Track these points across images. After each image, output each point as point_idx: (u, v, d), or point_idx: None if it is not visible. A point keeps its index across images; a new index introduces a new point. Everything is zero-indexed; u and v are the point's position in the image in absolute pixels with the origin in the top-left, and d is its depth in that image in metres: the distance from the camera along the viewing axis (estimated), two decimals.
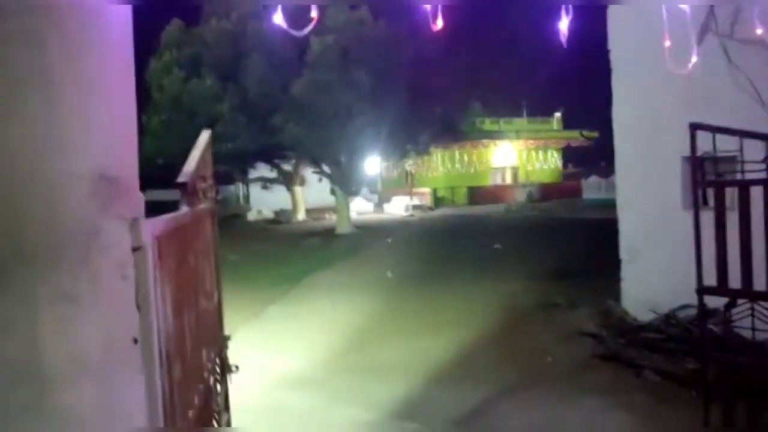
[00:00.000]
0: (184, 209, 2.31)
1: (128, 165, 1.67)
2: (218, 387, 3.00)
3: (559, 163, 43.55)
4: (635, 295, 7.01)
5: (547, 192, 36.61)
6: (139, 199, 1.66)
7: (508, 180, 41.20)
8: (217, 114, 20.30)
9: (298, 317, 10.07)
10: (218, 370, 3.03)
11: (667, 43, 5.40)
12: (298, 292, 12.20)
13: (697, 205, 3.97)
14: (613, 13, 6.97)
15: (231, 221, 32.54)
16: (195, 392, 2.18)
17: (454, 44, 21.53)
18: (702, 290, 4.00)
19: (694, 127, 3.90)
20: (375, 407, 5.86)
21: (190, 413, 2.04)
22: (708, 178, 4.00)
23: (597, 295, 8.71)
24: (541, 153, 42.70)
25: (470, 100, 26.70)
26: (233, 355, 8.08)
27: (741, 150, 3.86)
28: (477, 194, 37.47)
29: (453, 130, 26.99)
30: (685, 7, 5.67)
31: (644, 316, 6.71)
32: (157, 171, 24.56)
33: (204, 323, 2.55)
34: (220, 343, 3.12)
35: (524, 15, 24.31)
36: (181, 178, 2.30)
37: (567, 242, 16.32)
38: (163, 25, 22.26)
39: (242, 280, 13.89)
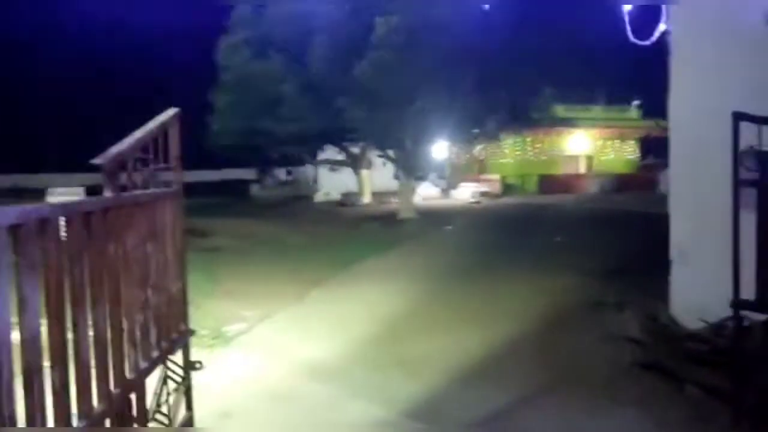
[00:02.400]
0: (106, 194, 2.09)
1: None
2: (169, 386, 2.80)
3: (636, 154, 41.67)
4: (684, 299, 6.43)
5: (621, 183, 35.11)
6: None
7: (581, 169, 39.77)
8: (282, 95, 20.37)
9: (340, 303, 9.92)
10: (174, 367, 2.82)
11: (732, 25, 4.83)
12: (345, 277, 12.06)
13: (737, 206, 3.48)
14: None
15: (298, 202, 32.93)
16: (95, 397, 1.98)
17: (527, 27, 20.72)
18: (738, 304, 3.52)
19: (738, 117, 3.41)
20: (390, 404, 5.60)
21: (79, 421, 1.85)
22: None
23: (650, 295, 8.13)
24: (617, 142, 40.98)
25: (543, 85, 25.70)
26: (264, 338, 8.08)
27: None
28: (547, 183, 36.34)
29: (523, 117, 26.19)
30: None
31: (693, 323, 6.14)
32: (226, 150, 25.06)
33: (136, 319, 2.35)
34: (177, 339, 2.90)
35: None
36: (98, 160, 2.08)
37: (632, 236, 15.48)
38: (233, 5, 22.49)
39: (295, 262, 13.96)
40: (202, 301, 9.54)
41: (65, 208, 1.81)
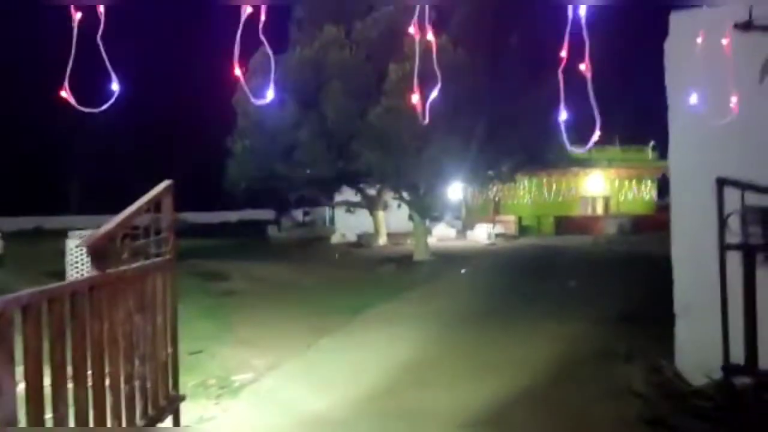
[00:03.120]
0: (92, 273, 2.20)
1: None
2: None
3: (654, 194, 41.46)
4: (688, 354, 6.37)
5: (639, 224, 34.88)
6: None
7: (599, 210, 39.62)
8: (297, 140, 20.71)
9: (349, 351, 9.92)
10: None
11: (726, 83, 4.91)
12: (356, 324, 12.06)
13: (723, 271, 3.51)
14: (671, 48, 6.46)
15: (315, 244, 33.13)
16: None
17: (541, 71, 20.97)
18: (728, 369, 3.51)
19: (721, 183, 3.46)
20: None
21: None
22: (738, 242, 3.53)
23: (661, 344, 8.05)
24: (634, 183, 40.85)
25: (557, 126, 25.83)
26: (271, 388, 8.10)
27: None
28: (564, 224, 36.21)
29: (538, 158, 26.31)
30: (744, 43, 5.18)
31: (697, 379, 6.07)
32: (244, 191, 25.40)
33: (121, 391, 2.43)
34: (165, 406, 2.97)
35: (617, 45, 23.42)
36: (83, 243, 2.18)
37: (647, 280, 15.33)
38: (252, 53, 23.04)
39: (307, 307, 14.02)
40: (217, 349, 9.65)
41: (48, 293, 1.91)
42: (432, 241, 28.14)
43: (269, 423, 6.70)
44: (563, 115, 3.22)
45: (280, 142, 20.87)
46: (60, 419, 1.98)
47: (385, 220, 31.31)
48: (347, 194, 31.43)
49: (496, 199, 37.82)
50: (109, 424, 2.33)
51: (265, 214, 44.11)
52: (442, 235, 32.93)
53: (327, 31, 20.81)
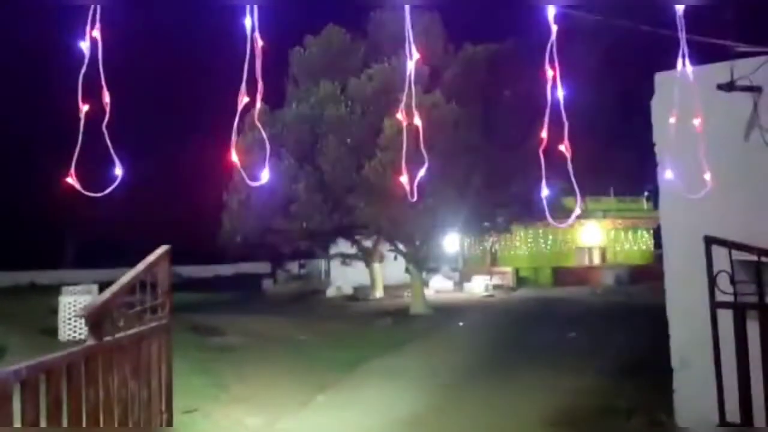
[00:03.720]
0: (88, 343, 2.22)
1: None
2: None
3: (650, 244, 41.60)
4: (687, 408, 6.33)
5: (636, 274, 34.85)
6: None
7: (596, 260, 39.67)
8: (293, 194, 20.86)
9: (345, 409, 9.78)
10: None
11: (709, 140, 5.02)
12: (352, 380, 11.93)
13: (715, 330, 3.54)
14: (657, 105, 6.63)
15: (310, 297, 32.93)
16: None
17: (533, 123, 21.31)
18: (724, 426, 3.51)
19: (709, 242, 3.52)
20: None
21: None
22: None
23: (661, 396, 7.98)
24: (630, 233, 41.02)
25: (552, 178, 26.11)
26: None
27: (759, 273, 3.42)
28: (562, 275, 36.16)
29: (533, 209, 26.47)
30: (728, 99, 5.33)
31: None
32: (239, 245, 25.38)
33: None
34: None
35: (604, 94, 23.89)
36: (81, 312, 2.21)
37: (645, 331, 15.25)
38: (248, 107, 23.42)
39: (303, 362, 13.89)
40: (211, 408, 9.53)
41: (46, 365, 1.93)
42: (429, 293, 28.03)
43: None
44: (545, 192, 3.31)
45: (276, 196, 21.01)
46: None
47: (381, 272, 31.22)
48: (343, 246, 31.40)
49: (493, 250, 37.86)
50: None
51: (261, 267, 44.00)
52: (440, 287, 32.81)
53: (323, 87, 21.21)
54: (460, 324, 20.02)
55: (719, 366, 3.48)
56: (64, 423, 2.08)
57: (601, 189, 38.28)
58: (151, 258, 2.89)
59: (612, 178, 36.75)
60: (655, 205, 39.02)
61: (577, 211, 3.45)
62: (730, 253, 3.44)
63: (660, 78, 6.32)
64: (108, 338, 2.42)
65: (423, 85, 19.33)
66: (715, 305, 3.50)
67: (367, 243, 29.90)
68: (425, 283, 26.03)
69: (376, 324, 20.69)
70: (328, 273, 37.48)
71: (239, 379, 11.85)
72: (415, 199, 4.38)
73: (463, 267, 36.17)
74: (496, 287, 31.95)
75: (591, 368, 11.61)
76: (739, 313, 3.40)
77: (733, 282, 3.44)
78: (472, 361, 13.33)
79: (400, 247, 24.38)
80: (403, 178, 4.14)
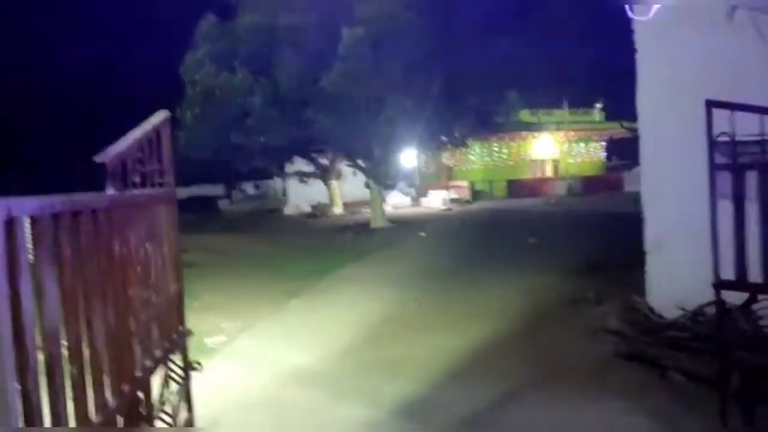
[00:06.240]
0: (109, 191, 2.10)
1: None
2: (171, 385, 2.79)
3: (601, 156, 42.48)
4: (661, 289, 6.59)
5: (588, 185, 35.71)
6: None
7: (548, 173, 40.35)
8: (249, 108, 20.30)
9: (318, 311, 9.91)
10: (174, 367, 2.81)
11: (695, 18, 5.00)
12: (322, 286, 12.04)
13: (714, 191, 3.60)
14: None
15: (268, 216, 32.76)
16: (108, 393, 1.98)
17: (490, 34, 21.06)
18: (719, 285, 3.64)
19: (711, 105, 3.53)
20: (380, 405, 5.62)
21: (97, 416, 1.84)
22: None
23: (626, 289, 8.29)
24: (582, 145, 41.68)
25: (507, 91, 26.11)
26: (246, 348, 8.04)
27: (763, 129, 3.46)
28: (516, 187, 36.78)
29: (489, 122, 26.51)
30: None
31: (671, 312, 6.29)
32: (193, 167, 24.84)
33: (141, 317, 2.35)
34: (176, 339, 2.90)
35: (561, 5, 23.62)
36: (100, 158, 2.08)
37: (603, 235, 15.75)
38: (198, 20, 22.38)
39: (270, 273, 13.90)
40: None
41: (74, 204, 1.81)
42: (387, 209, 28.15)
43: (250, 380, 6.65)
44: None
45: (232, 110, 20.42)
46: (93, 336, 1.90)
47: (339, 190, 31.13)
48: (299, 165, 31.06)
49: (449, 165, 38.05)
50: (133, 349, 2.26)
51: (215, 189, 43.34)
52: (397, 203, 32.98)
53: None
54: (422, 235, 20.26)
55: (715, 228, 3.56)
56: (95, 271, 1.98)
57: (554, 102, 38.53)
58: (155, 119, 2.74)
59: (564, 90, 36.91)
60: (608, 117, 39.27)
61: None
62: (732, 115, 3.46)
63: None
64: (127, 192, 2.30)
65: None
66: (714, 168, 3.55)
67: (324, 160, 29.62)
68: (383, 200, 26.03)
69: (339, 238, 20.78)
70: (284, 192, 37.20)
71: (210, 292, 11.76)
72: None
73: (420, 183, 36.33)
74: (453, 201, 32.31)
75: (554, 268, 11.91)
76: (739, 173, 3.46)
77: (733, 143, 3.48)
78: (437, 266, 13.54)
79: (360, 162, 24.22)
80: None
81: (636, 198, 7.76)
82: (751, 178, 3.55)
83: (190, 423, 3.02)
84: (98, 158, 2.08)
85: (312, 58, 19.30)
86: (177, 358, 2.98)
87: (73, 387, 1.77)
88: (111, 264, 2.08)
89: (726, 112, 3.52)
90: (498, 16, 21.00)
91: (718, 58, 5.39)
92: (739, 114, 3.54)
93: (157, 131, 2.74)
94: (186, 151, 20.66)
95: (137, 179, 2.41)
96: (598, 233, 16.70)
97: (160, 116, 2.80)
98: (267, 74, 20.18)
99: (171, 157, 2.90)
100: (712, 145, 3.56)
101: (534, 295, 9.71)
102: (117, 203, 2.13)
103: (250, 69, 20.29)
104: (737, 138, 3.57)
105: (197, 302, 10.83)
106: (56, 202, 1.68)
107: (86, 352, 1.84)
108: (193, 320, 9.13)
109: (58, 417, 1.60)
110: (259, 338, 8.47)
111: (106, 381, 1.97)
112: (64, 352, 1.75)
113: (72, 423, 1.71)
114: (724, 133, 3.53)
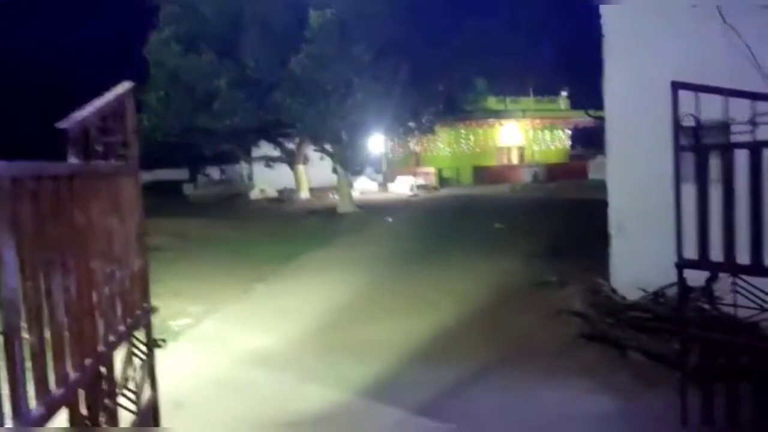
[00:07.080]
0: (71, 159, 2.03)
1: None
2: (135, 361, 2.74)
3: (566, 144, 42.97)
4: (624, 272, 6.72)
5: (553, 172, 36.09)
6: None
7: (514, 160, 40.69)
8: (214, 90, 20.00)
9: (285, 295, 9.87)
10: (138, 344, 2.76)
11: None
12: (288, 271, 11.98)
13: (678, 172, 3.66)
14: None
15: (233, 200, 32.38)
16: (69, 366, 1.93)
17: (459, 21, 21.09)
18: (682, 264, 3.71)
19: (676, 86, 3.58)
20: (345, 386, 5.63)
21: (57, 391, 1.80)
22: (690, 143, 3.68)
23: (590, 272, 8.42)
24: (547, 133, 42.09)
25: (474, 77, 26.20)
26: (211, 331, 7.96)
27: (727, 111, 3.52)
28: (482, 174, 37.01)
29: (456, 108, 26.61)
30: None
31: (632, 293, 6.41)
32: (158, 150, 24.41)
33: (104, 291, 2.30)
34: (140, 316, 2.84)
35: None
36: (62, 124, 2.01)
37: (568, 221, 15.98)
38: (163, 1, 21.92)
39: (237, 259, 13.75)
40: None
41: (34, 168, 1.75)
42: (354, 194, 28.09)
43: (215, 362, 6.60)
44: None
45: (197, 92, 20.10)
46: (53, 306, 1.85)
47: (306, 175, 30.92)
48: (266, 149, 30.77)
49: (417, 151, 38.09)
50: (96, 322, 2.20)
51: (180, 173, 42.60)
52: (364, 188, 32.91)
53: None
54: (389, 220, 20.28)
55: (679, 208, 3.63)
56: (53, 238, 1.92)
57: (521, 90, 38.81)
58: (119, 89, 2.66)
59: (531, 78, 37.16)
60: (573, 106, 39.59)
61: None
62: (696, 97, 3.51)
63: None
64: (91, 162, 2.24)
65: None
66: (679, 148, 3.61)
67: (291, 145, 29.38)
68: (350, 185, 25.96)
69: (306, 222, 20.68)
70: (250, 177, 36.84)
71: (175, 276, 11.56)
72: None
73: (387, 168, 36.31)
74: (419, 187, 32.38)
75: (518, 253, 12.04)
76: (702, 154, 3.52)
77: (698, 125, 3.54)
78: (403, 250, 13.58)
79: (327, 147, 24.10)
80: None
81: (599, 185, 7.88)
82: (715, 160, 3.61)
83: (153, 401, 2.97)
84: (60, 124, 2.02)
85: (279, 41, 19.08)
86: (141, 335, 2.92)
87: (33, 358, 1.72)
88: (73, 234, 2.02)
89: (692, 98, 3.57)
90: (466, 1, 21.06)
91: (685, 43, 5.47)
92: (704, 98, 3.61)
93: (121, 101, 2.66)
94: (150, 134, 20.32)
95: (100, 149, 2.34)
96: (563, 219, 16.92)
97: (124, 86, 2.72)
98: (234, 56, 19.89)
99: (135, 129, 2.83)
100: (678, 127, 3.61)
101: (499, 279, 9.81)
102: (79, 172, 2.06)
103: (216, 50, 19.98)
104: (702, 121, 3.62)
105: (163, 288, 10.65)
106: (15, 165, 1.62)
107: (47, 323, 1.79)
108: (158, 305, 9.09)
109: (17, 389, 1.55)
110: (225, 322, 8.40)
111: (68, 353, 1.92)
112: (24, 323, 1.70)
113: (31, 394, 1.66)
114: (689, 115, 3.58)
